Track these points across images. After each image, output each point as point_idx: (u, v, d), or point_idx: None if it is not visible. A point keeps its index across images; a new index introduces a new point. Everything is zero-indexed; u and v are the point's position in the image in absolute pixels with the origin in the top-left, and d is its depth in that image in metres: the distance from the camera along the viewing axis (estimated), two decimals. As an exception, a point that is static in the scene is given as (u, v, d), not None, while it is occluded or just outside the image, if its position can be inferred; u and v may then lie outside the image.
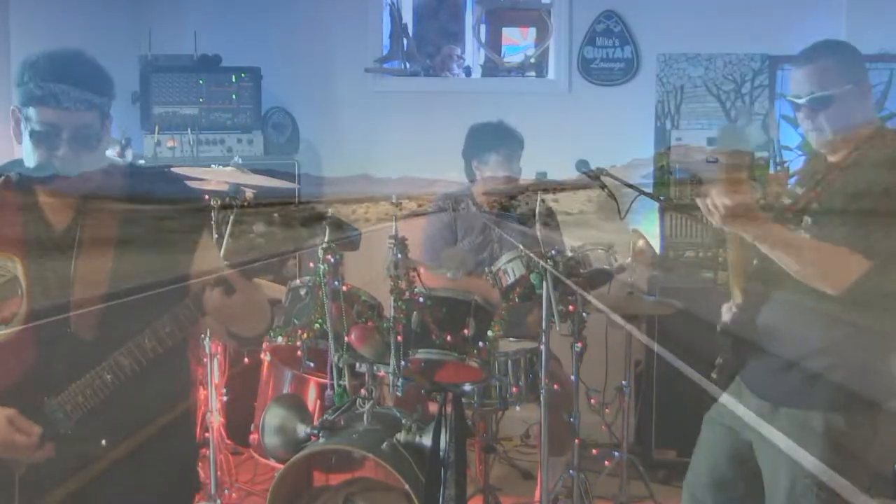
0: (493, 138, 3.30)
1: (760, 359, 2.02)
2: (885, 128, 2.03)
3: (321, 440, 2.41)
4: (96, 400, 1.62)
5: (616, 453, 3.29)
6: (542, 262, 2.53)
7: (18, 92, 1.61)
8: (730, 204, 1.78)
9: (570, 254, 2.73)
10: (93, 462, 1.64)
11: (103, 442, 1.65)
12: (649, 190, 3.56)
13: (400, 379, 2.47)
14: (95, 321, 1.65)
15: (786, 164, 3.91)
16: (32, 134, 1.60)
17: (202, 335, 2.93)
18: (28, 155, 1.63)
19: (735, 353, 2.08)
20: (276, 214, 1.57)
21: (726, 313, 2.11)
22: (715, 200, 1.81)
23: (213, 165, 3.04)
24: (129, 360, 1.61)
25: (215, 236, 2.32)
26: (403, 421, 2.42)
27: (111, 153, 3.26)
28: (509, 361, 2.81)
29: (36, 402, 1.63)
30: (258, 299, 1.78)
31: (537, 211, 2.79)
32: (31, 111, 1.59)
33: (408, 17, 4.52)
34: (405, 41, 4.30)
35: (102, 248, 1.67)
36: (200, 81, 3.87)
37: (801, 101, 1.99)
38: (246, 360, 3.12)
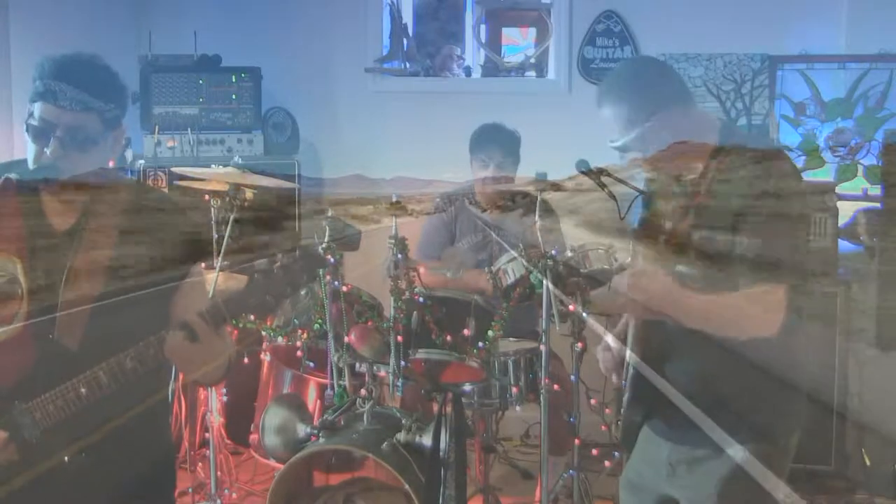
0: (488, 140, 3.33)
1: (667, 402, 1.77)
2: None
3: (321, 440, 2.41)
4: (67, 411, 1.57)
5: (616, 453, 3.28)
6: (540, 263, 2.52)
7: (32, 87, 1.65)
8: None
9: (569, 254, 2.73)
10: (56, 474, 1.59)
11: (65, 458, 1.60)
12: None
13: (400, 379, 2.47)
14: (80, 330, 1.63)
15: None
16: (29, 128, 1.64)
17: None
18: (29, 152, 1.66)
19: (637, 406, 1.88)
20: (278, 255, 1.57)
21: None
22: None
23: (213, 165, 3.04)
24: (107, 376, 1.56)
25: (214, 236, 2.33)
26: (403, 421, 2.42)
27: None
28: (509, 361, 2.81)
29: (5, 404, 1.59)
30: (219, 351, 1.65)
31: (537, 210, 2.79)
32: (33, 106, 1.63)
33: (408, 17, 4.52)
34: (405, 41, 4.30)
35: (100, 254, 1.66)
36: (200, 81, 3.87)
37: (617, 145, 1.79)
38: (246, 360, 3.13)
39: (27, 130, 1.64)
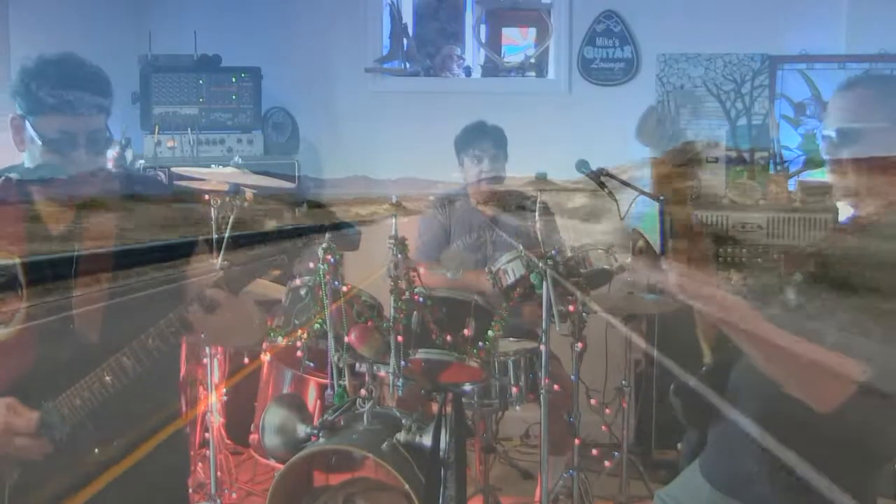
0: (478, 135, 3.36)
1: (717, 435, 1.72)
2: None
3: (321, 440, 2.41)
4: (94, 403, 1.58)
5: (616, 453, 3.29)
6: (540, 263, 2.52)
7: (23, 100, 1.61)
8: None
9: (569, 254, 2.73)
10: (85, 471, 1.60)
11: (96, 450, 1.61)
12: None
13: (400, 379, 2.47)
14: (97, 323, 1.64)
15: (786, 165, 3.91)
16: (48, 142, 1.60)
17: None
18: (34, 161, 1.64)
19: (700, 424, 1.80)
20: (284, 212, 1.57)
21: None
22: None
23: (213, 165, 3.04)
24: (130, 360, 1.57)
25: (214, 237, 2.32)
26: (403, 421, 2.42)
27: (109, 153, 3.26)
28: (509, 361, 2.81)
29: (33, 406, 1.60)
30: (243, 313, 1.67)
31: (537, 210, 2.79)
32: (44, 119, 1.59)
33: (408, 17, 4.52)
34: (405, 41, 4.30)
35: (101, 250, 1.66)
36: (200, 81, 3.87)
37: (827, 132, 1.68)
38: (246, 360, 3.12)
39: (44, 144, 1.59)
